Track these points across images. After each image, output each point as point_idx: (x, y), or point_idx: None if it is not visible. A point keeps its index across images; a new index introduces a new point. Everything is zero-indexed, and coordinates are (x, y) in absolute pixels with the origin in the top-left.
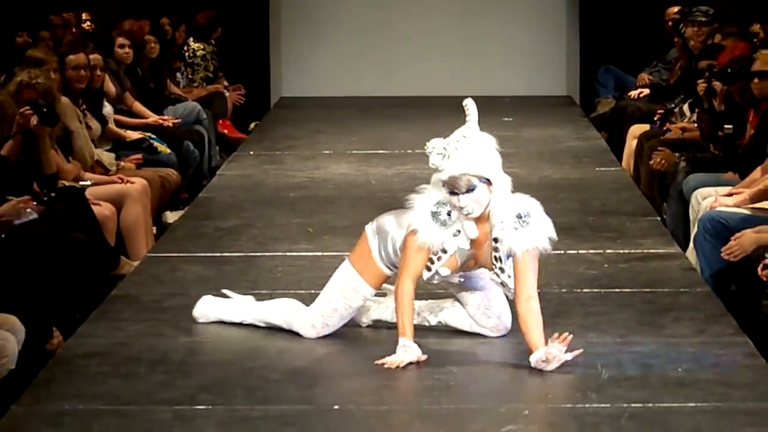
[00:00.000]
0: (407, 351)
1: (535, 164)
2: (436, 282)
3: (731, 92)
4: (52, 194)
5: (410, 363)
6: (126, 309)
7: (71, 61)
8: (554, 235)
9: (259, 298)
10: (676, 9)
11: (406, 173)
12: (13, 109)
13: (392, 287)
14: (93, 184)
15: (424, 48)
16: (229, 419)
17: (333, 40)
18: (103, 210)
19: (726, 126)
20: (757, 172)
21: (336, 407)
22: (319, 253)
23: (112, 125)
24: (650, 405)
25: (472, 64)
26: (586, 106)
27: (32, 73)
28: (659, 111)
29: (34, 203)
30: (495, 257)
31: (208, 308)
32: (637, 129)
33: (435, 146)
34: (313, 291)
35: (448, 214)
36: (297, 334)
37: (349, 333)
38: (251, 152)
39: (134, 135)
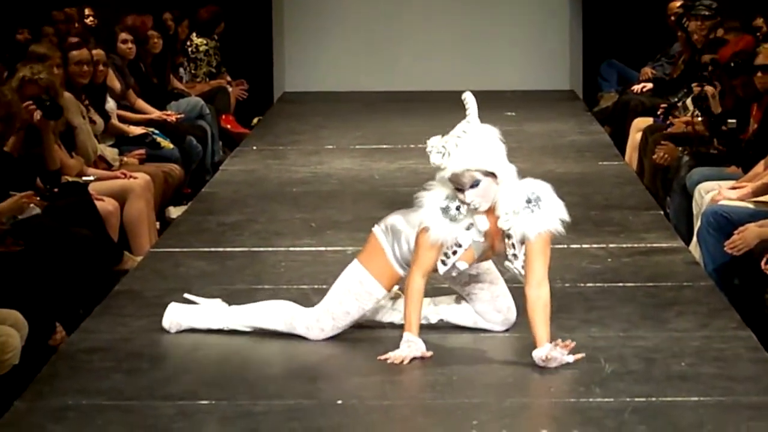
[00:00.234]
0: (411, 346)
1: (538, 158)
2: (454, 275)
3: (734, 86)
4: (55, 189)
5: (414, 359)
6: (129, 304)
7: (74, 56)
8: (566, 216)
9: (263, 292)
10: (678, 3)
11: (409, 168)
12: (18, 107)
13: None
14: (96, 180)
15: (427, 43)
16: (231, 414)
17: (336, 34)
18: (106, 205)
19: (729, 120)
20: (760, 166)
21: (339, 402)
22: (322, 248)
23: (115, 121)
24: (653, 399)
25: (475, 59)
26: (589, 100)
27: (34, 68)
28: (662, 105)
29: (38, 198)
30: (508, 244)
31: (178, 316)
32: (640, 123)
33: (434, 145)
34: (316, 286)
35: (458, 208)
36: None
37: (351, 329)
38: (254, 147)
39: (137, 130)
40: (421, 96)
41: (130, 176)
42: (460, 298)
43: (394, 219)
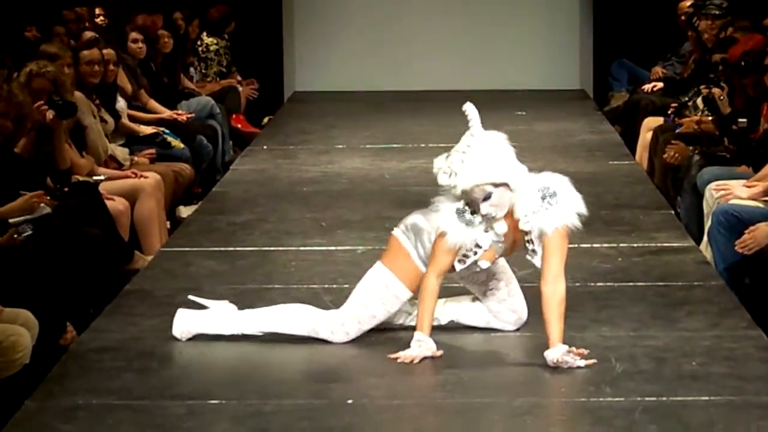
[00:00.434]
0: (422, 346)
1: (548, 158)
2: (477, 270)
3: (745, 85)
4: (66, 189)
5: (424, 358)
6: (139, 304)
7: (85, 56)
8: (583, 210)
9: (273, 292)
10: (689, 2)
11: (419, 167)
12: (30, 108)
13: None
14: (106, 179)
15: (436, 42)
16: (242, 414)
17: (346, 34)
18: (116, 205)
19: (740, 120)
20: (766, 168)
21: (350, 402)
22: (333, 248)
23: (125, 120)
24: (664, 399)
25: (485, 58)
26: (600, 99)
27: (40, 63)
28: (673, 105)
29: (48, 198)
30: (527, 240)
31: (189, 324)
32: (650, 122)
33: (440, 166)
34: (326, 285)
35: (473, 213)
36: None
37: None
38: (264, 147)
39: (148, 130)
40: (431, 95)
41: (141, 176)
42: (473, 298)
43: (415, 218)
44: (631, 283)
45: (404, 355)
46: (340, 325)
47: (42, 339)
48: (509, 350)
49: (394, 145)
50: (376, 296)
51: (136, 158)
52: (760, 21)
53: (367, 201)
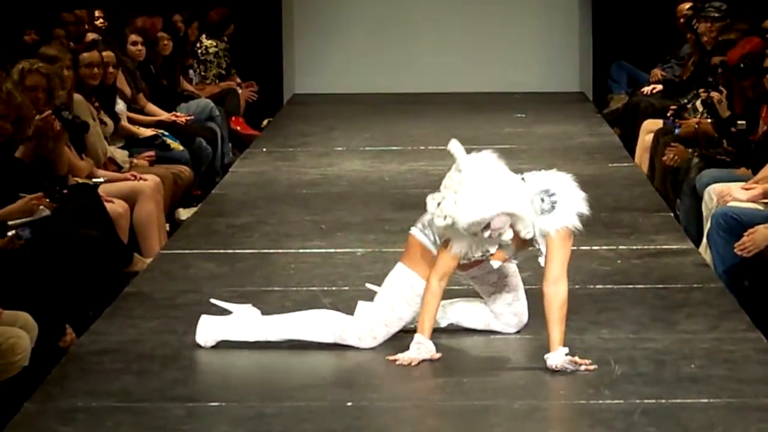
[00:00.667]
0: (420, 348)
1: (547, 160)
2: (490, 271)
3: (744, 87)
4: (65, 191)
5: (423, 361)
6: (139, 306)
7: (84, 58)
8: (584, 209)
9: (273, 294)
10: (688, 5)
11: (419, 170)
12: (29, 110)
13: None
14: (106, 181)
15: (436, 44)
16: (242, 416)
17: (346, 36)
18: (116, 207)
19: (739, 122)
20: (765, 170)
21: (349, 404)
22: (332, 250)
23: (125, 122)
24: (663, 401)
25: (484, 61)
26: (599, 102)
27: (32, 60)
28: (672, 107)
29: (47, 200)
30: (534, 240)
31: (212, 330)
32: (650, 125)
33: (433, 211)
34: (326, 288)
35: None
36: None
37: None
38: (264, 149)
39: (147, 132)
40: (430, 98)
41: (140, 178)
42: (472, 301)
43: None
44: (630, 286)
45: (403, 358)
46: (367, 330)
47: (41, 341)
48: (509, 353)
49: (394, 148)
50: (400, 297)
51: (135, 160)
52: (759, 24)
53: (366, 203)
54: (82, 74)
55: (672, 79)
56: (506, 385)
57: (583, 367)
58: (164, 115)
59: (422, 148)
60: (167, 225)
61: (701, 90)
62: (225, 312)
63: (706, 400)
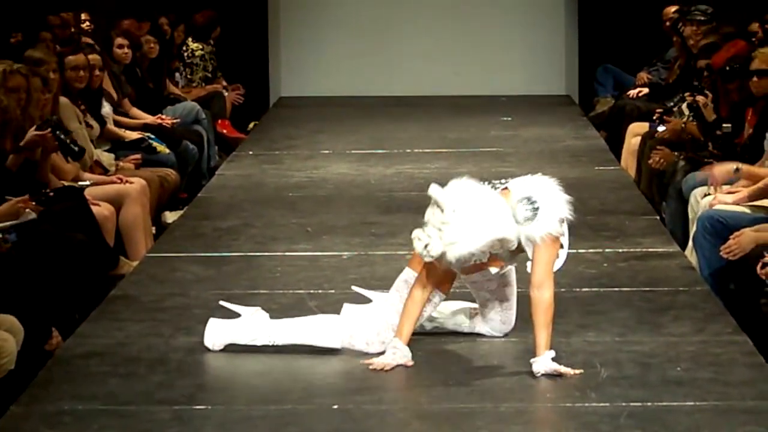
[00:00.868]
0: (396, 354)
1: (533, 163)
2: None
3: (729, 90)
4: (51, 194)
5: (398, 366)
6: (125, 309)
7: (70, 61)
8: (566, 213)
9: (259, 297)
10: (674, 8)
11: (405, 173)
12: (14, 113)
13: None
14: (92, 185)
15: (423, 47)
16: (228, 419)
17: (332, 39)
18: (102, 210)
19: (724, 125)
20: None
21: (335, 407)
22: (318, 253)
23: (111, 125)
24: (649, 404)
25: (470, 64)
26: (585, 105)
27: (8, 61)
28: (658, 110)
29: (33, 203)
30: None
31: (220, 333)
32: (635, 128)
33: (420, 251)
34: (312, 291)
35: None
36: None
37: None
38: (250, 152)
39: (133, 135)
40: (417, 101)
41: (126, 181)
42: (458, 302)
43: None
44: (616, 289)
45: (377, 362)
46: (375, 335)
47: (27, 344)
48: (495, 356)
49: (380, 151)
50: None
51: (121, 164)
52: (745, 27)
53: (352, 206)
54: (68, 77)
55: (658, 82)
56: (492, 388)
57: (571, 372)
58: (150, 119)
59: (408, 151)
60: (153, 228)
61: (687, 94)
62: (233, 315)
63: (692, 403)
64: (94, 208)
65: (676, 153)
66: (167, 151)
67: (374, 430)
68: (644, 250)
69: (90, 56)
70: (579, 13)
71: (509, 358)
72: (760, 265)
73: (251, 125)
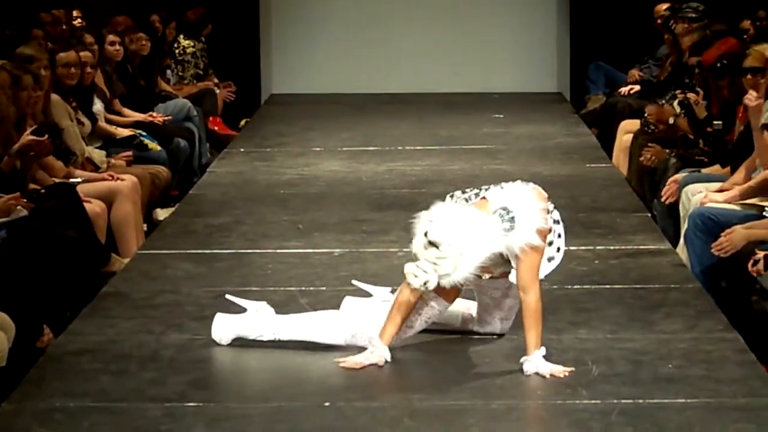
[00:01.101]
0: (374, 353)
1: (525, 160)
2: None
3: (720, 87)
4: (42, 191)
5: (370, 365)
6: (116, 306)
7: (62, 58)
8: (541, 224)
9: (250, 294)
10: (665, 6)
11: (396, 170)
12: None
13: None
14: (83, 182)
15: (414, 45)
16: (219, 416)
17: (323, 37)
18: (93, 207)
19: (715, 122)
20: (740, 171)
21: (326, 404)
22: (310, 250)
23: (102, 122)
24: (640, 401)
25: (462, 61)
26: (577, 102)
27: None
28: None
29: (25, 200)
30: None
31: (227, 327)
32: (627, 125)
33: (415, 285)
34: (303, 288)
35: None
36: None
37: None
38: (242, 149)
39: (124, 132)
40: (408, 98)
41: (118, 178)
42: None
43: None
44: (607, 286)
45: (349, 361)
46: (377, 332)
47: (18, 341)
48: (486, 353)
49: (371, 148)
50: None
51: (112, 161)
52: (736, 25)
53: (344, 203)
54: (59, 74)
55: (649, 79)
56: (483, 385)
57: (561, 370)
58: (142, 116)
59: (400, 148)
60: (145, 225)
61: (678, 91)
62: (240, 309)
63: (683, 401)
64: (86, 205)
65: (667, 150)
66: (158, 148)
67: (365, 428)
68: (635, 247)
69: (81, 53)
70: (571, 11)
71: (500, 355)
72: (751, 262)
73: (243, 122)
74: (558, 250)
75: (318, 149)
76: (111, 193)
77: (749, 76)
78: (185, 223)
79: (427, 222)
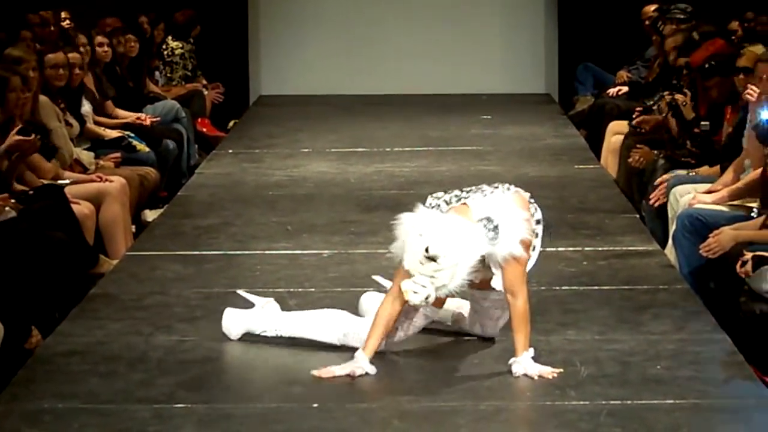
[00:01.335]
0: (353, 366)
1: (513, 162)
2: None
3: (708, 87)
4: (30, 192)
5: (346, 376)
6: (105, 308)
7: (50, 59)
8: (524, 235)
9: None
10: (653, 7)
11: (385, 171)
12: None
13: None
14: (72, 183)
15: (403, 46)
16: (208, 418)
17: (312, 38)
18: (82, 209)
19: (702, 122)
20: (729, 172)
21: (316, 405)
22: (298, 252)
23: (91, 124)
24: (629, 402)
25: (451, 62)
26: (565, 103)
27: None
28: (638, 108)
29: (13, 201)
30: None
31: (236, 321)
32: (615, 126)
33: (415, 301)
34: (291, 289)
35: None
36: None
37: None
38: (230, 151)
39: (113, 134)
40: (396, 99)
41: (106, 179)
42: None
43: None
44: (596, 287)
45: (324, 371)
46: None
47: (7, 343)
48: (475, 355)
49: (360, 149)
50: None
51: (101, 162)
52: (725, 26)
53: (332, 205)
54: (47, 75)
55: (638, 80)
56: (472, 386)
57: (550, 371)
58: (130, 117)
59: (388, 149)
60: (133, 226)
61: (666, 93)
62: (248, 304)
63: (672, 401)
64: (74, 207)
65: (655, 152)
66: (147, 149)
67: (355, 429)
68: (624, 248)
69: (70, 54)
70: (559, 12)
71: (489, 356)
72: (739, 263)
73: (231, 124)
74: (533, 249)
75: (306, 150)
76: (99, 195)
77: (742, 76)
78: (174, 225)
79: (417, 236)
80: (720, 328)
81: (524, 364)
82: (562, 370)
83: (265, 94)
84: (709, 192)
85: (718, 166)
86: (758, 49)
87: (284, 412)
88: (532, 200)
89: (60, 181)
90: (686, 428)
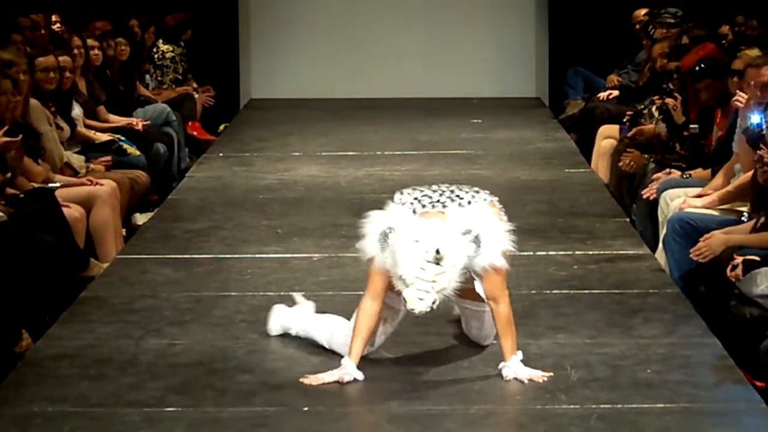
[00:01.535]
0: (340, 372)
1: (504, 166)
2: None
3: (698, 90)
4: (21, 195)
5: (333, 382)
6: (95, 311)
7: (40, 63)
8: (507, 246)
9: (229, 300)
10: (644, 11)
11: (375, 175)
12: None
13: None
14: (62, 186)
15: (393, 50)
16: (198, 421)
17: (302, 42)
18: (72, 212)
19: (691, 126)
20: (719, 176)
21: (306, 409)
22: (289, 255)
23: (81, 127)
24: (619, 406)
25: (441, 66)
26: (555, 107)
27: None
28: (628, 113)
29: (3, 204)
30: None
31: (278, 319)
32: (606, 130)
33: (419, 309)
34: (282, 293)
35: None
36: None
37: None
38: (221, 154)
39: (103, 137)
40: (387, 103)
41: (97, 183)
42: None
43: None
44: (586, 291)
45: (312, 377)
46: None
47: None
48: (465, 358)
49: (350, 153)
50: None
51: (91, 165)
52: (715, 30)
53: (323, 208)
54: (38, 79)
55: (628, 84)
56: (462, 390)
57: (540, 375)
58: (121, 121)
59: (378, 153)
60: (124, 230)
61: (656, 97)
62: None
63: (662, 405)
64: (65, 210)
65: (646, 156)
66: (137, 153)
67: None
68: (614, 252)
69: (60, 58)
70: (549, 16)
71: (479, 360)
72: (729, 267)
73: (221, 127)
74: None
75: (297, 154)
76: (90, 198)
77: (736, 79)
78: (164, 228)
79: (412, 243)
80: (710, 332)
81: (514, 367)
82: (552, 373)
83: (255, 98)
84: (700, 196)
85: (709, 171)
86: (754, 52)
87: (274, 415)
88: (501, 205)
89: (51, 185)
90: None
